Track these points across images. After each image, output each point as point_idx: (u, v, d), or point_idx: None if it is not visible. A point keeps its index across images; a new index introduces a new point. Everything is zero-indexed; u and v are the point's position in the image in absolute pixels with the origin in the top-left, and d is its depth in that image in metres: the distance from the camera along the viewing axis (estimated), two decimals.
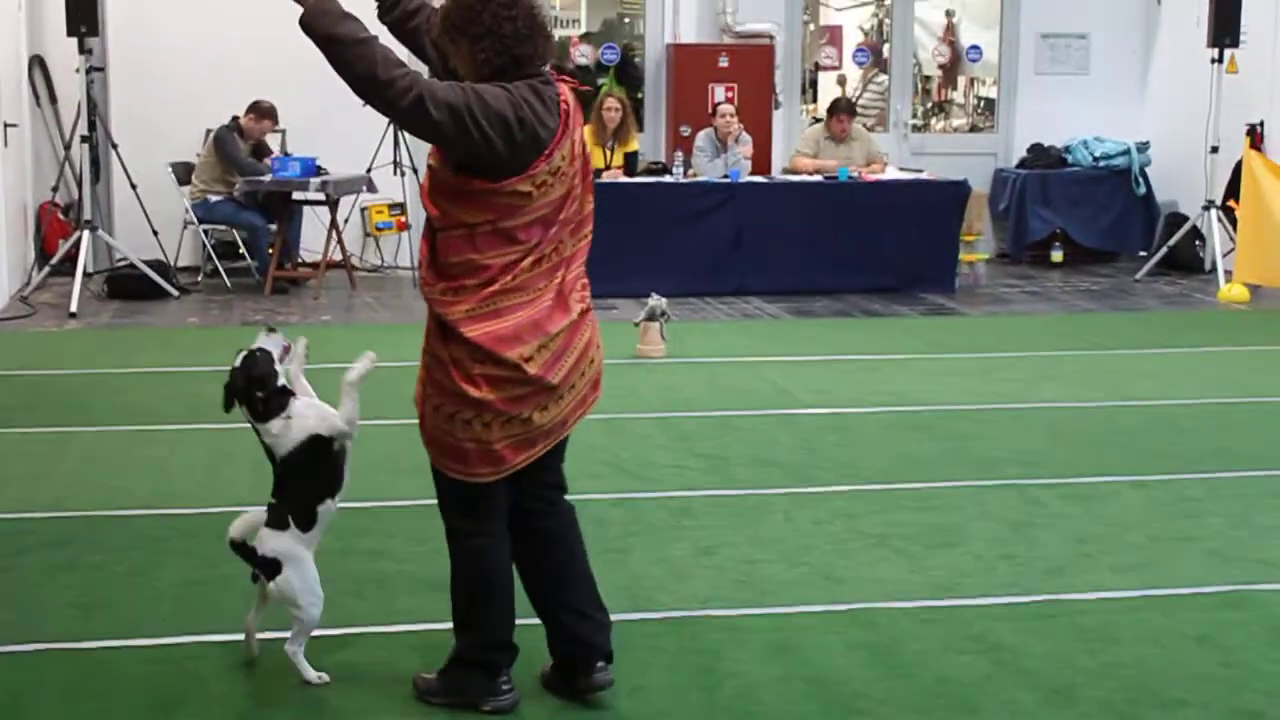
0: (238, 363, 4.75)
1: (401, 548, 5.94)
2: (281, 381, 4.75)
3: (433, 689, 4.63)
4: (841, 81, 16.16)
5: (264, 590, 4.75)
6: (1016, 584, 5.72)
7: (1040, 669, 4.89)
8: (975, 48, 15.96)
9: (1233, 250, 13.31)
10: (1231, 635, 5.20)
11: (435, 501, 4.58)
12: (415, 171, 13.20)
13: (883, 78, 15.94)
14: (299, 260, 13.31)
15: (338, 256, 13.01)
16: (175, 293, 12.43)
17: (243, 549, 4.73)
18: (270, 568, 4.69)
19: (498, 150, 4.20)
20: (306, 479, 4.75)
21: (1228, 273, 13.30)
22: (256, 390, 4.72)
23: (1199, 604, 5.52)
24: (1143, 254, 14.83)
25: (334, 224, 12.81)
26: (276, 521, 4.72)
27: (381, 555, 5.92)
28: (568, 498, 4.69)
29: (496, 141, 4.18)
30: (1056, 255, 14.98)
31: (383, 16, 4.67)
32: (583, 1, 15.97)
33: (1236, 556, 6.06)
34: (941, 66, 16.29)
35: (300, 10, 4.09)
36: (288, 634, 4.75)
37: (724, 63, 14.38)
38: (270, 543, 4.71)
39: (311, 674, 4.71)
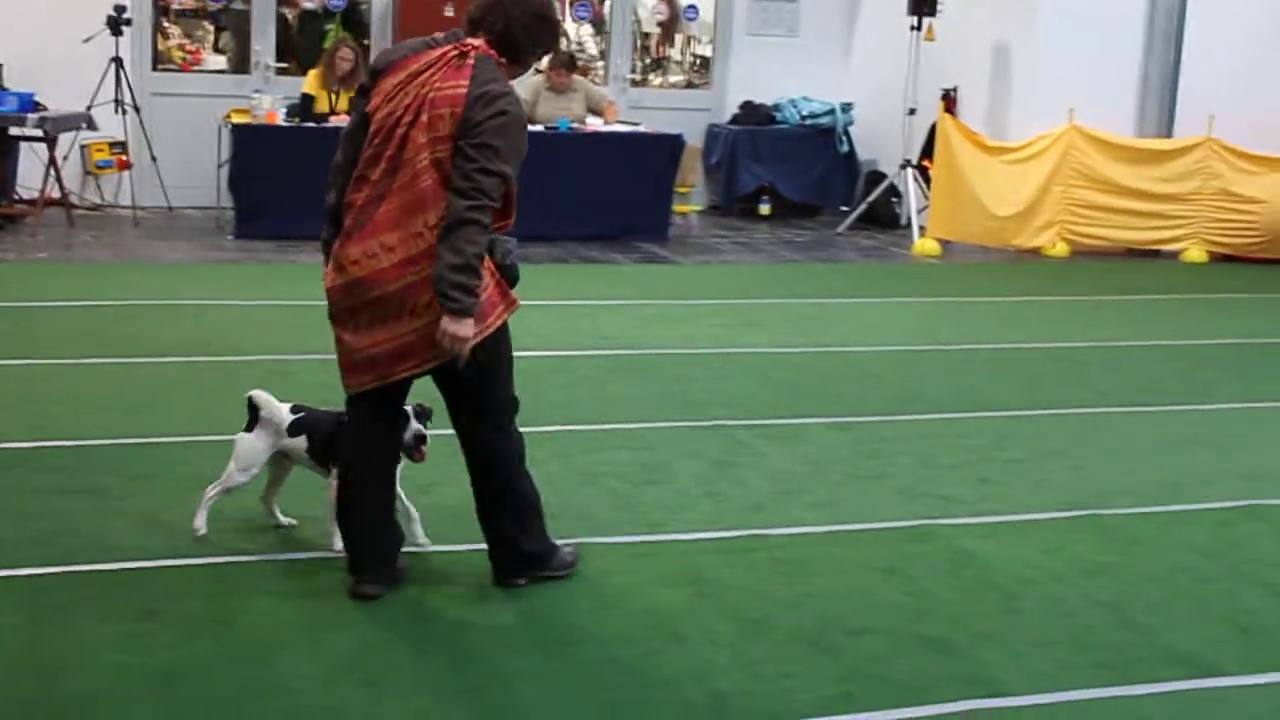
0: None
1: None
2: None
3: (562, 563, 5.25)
4: (564, 34, 16.30)
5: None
6: (720, 520, 5.93)
7: (739, 600, 5.09)
8: (692, 7, 16.23)
9: (926, 207, 13.94)
10: (915, 566, 5.48)
11: None
12: (137, 110, 12.95)
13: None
14: (15, 197, 12.86)
15: (56, 194, 12.64)
16: None
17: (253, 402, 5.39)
18: (251, 416, 5.38)
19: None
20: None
21: (921, 228, 13.91)
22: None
23: (886, 538, 5.80)
24: (844, 209, 15.36)
25: (52, 161, 12.44)
26: (294, 410, 5.43)
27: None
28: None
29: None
30: (764, 208, 15.43)
31: None
32: None
33: (922, 493, 6.39)
34: (660, 24, 16.55)
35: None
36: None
37: (449, 13, 14.32)
38: (273, 407, 5.39)
39: (201, 519, 5.41)
